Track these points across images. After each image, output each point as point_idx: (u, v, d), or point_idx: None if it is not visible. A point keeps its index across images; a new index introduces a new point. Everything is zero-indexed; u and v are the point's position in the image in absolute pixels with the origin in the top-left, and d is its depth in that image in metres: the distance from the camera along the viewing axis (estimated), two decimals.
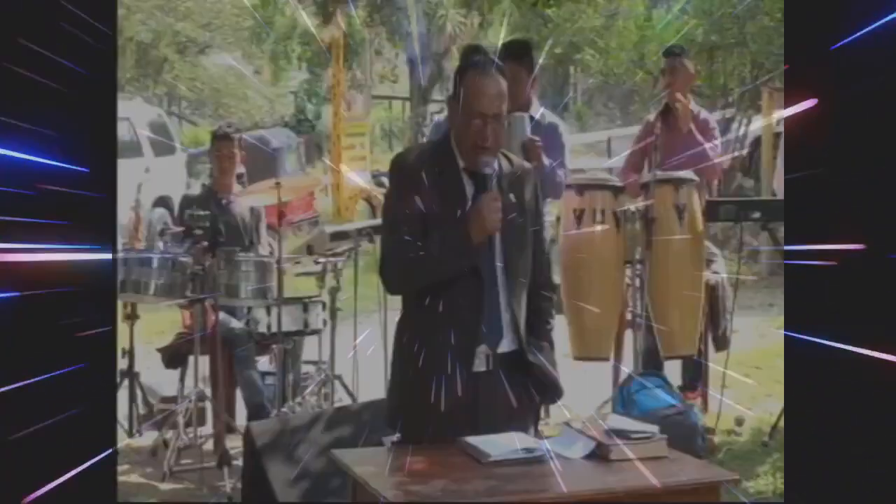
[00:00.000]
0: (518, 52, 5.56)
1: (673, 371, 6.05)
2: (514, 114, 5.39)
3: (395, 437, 3.32)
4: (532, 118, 5.53)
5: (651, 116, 6.38)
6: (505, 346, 3.30)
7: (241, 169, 6.36)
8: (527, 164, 3.53)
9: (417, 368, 3.24)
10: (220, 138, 6.20)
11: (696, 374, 6.20)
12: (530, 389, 3.37)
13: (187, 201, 6.16)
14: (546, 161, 5.34)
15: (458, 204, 3.25)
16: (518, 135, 5.28)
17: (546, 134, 5.48)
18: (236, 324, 5.93)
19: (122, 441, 5.60)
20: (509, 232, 3.28)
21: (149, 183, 11.26)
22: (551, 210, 5.97)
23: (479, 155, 3.24)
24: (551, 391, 3.44)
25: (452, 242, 3.19)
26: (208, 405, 5.67)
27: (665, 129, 5.98)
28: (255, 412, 5.70)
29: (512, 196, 3.32)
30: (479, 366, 3.27)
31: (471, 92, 3.24)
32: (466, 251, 3.19)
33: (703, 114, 6.42)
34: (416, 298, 3.30)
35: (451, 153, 3.30)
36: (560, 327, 5.77)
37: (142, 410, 5.97)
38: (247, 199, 6.10)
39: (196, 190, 6.33)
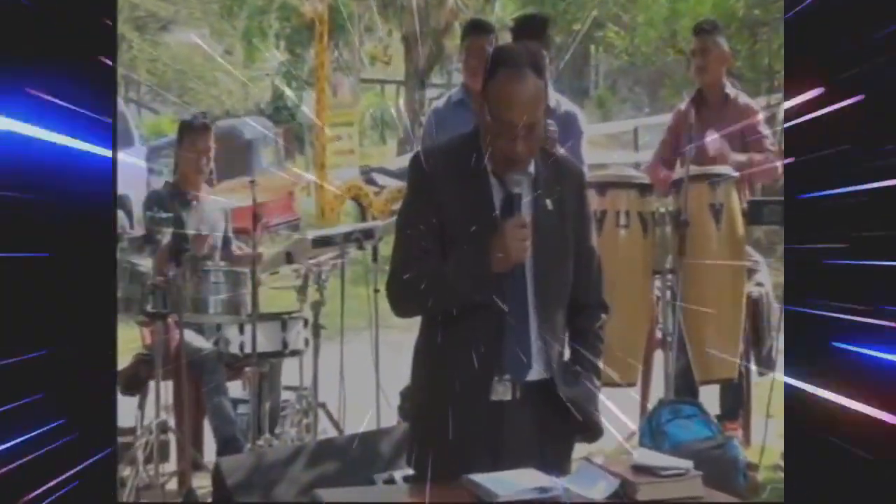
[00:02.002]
0: (534, 29, 5.58)
1: (710, 397, 6.06)
2: None
3: (387, 474, 3.34)
4: (547, 106, 5.54)
5: (683, 105, 6.39)
6: (534, 374, 3.30)
7: (212, 165, 6.37)
8: (572, 162, 3.51)
9: (434, 397, 3.27)
10: (193, 129, 6.22)
11: (736, 402, 6.21)
12: (562, 425, 3.37)
13: (151, 201, 6.17)
14: (561, 151, 5.35)
15: (483, 213, 3.23)
16: None
17: (562, 125, 5.50)
18: (204, 343, 5.94)
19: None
20: (544, 245, 3.26)
21: None
22: None
23: (507, 168, 3.23)
24: (585, 430, 3.43)
25: (470, 271, 3.18)
26: (172, 438, 5.68)
27: (700, 119, 5.99)
28: (226, 446, 5.71)
29: (549, 202, 3.30)
30: (504, 394, 3.27)
31: (500, 97, 3.19)
32: (485, 282, 3.18)
33: (743, 98, 6.40)
34: (434, 319, 3.32)
35: (479, 152, 3.27)
36: None
37: None
38: (217, 200, 6.12)
39: (163, 187, 6.32)
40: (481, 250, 3.17)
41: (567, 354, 3.42)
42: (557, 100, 5.67)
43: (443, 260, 3.22)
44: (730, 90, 6.31)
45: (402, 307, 3.36)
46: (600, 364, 3.49)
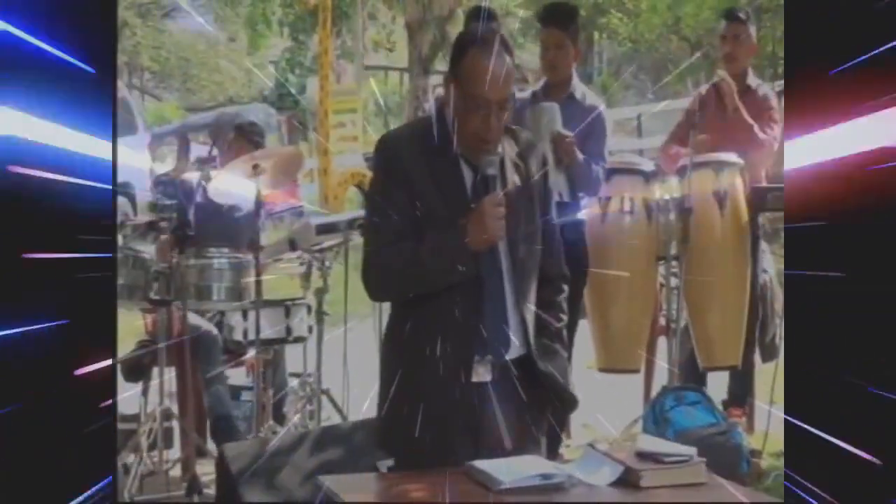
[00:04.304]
0: (562, 18, 5.55)
1: (716, 384, 6.06)
2: (543, 104, 5.39)
3: (391, 461, 3.33)
4: (572, 97, 5.53)
5: (703, 89, 6.33)
6: (513, 352, 3.32)
7: (215, 152, 6.39)
8: (531, 137, 3.50)
9: (414, 383, 3.25)
10: (243, 136, 6.27)
11: (742, 388, 6.19)
12: (538, 399, 3.39)
13: (166, 185, 6.19)
14: (580, 157, 5.32)
15: (455, 196, 3.24)
16: (547, 127, 5.26)
17: (586, 118, 5.47)
18: (202, 322, 5.93)
19: None
20: (516, 222, 3.27)
21: None
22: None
23: (480, 149, 3.24)
24: (564, 402, 3.46)
25: (448, 252, 3.18)
26: (175, 425, 5.68)
27: (716, 105, 5.95)
28: (219, 424, 5.72)
29: (517, 178, 3.32)
30: (485, 375, 3.29)
31: (473, 74, 3.20)
32: (464, 263, 3.18)
33: (763, 89, 6.32)
34: (408, 304, 3.31)
35: (447, 136, 3.28)
36: (583, 334, 5.82)
37: None
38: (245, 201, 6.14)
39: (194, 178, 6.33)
40: (459, 231, 3.17)
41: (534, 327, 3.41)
42: (583, 91, 5.64)
43: (417, 243, 3.21)
44: (752, 80, 6.22)
45: (379, 292, 3.38)
46: (565, 335, 3.51)
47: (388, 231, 3.24)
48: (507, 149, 3.34)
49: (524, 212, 3.32)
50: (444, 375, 3.22)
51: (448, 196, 3.24)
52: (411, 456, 3.21)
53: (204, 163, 6.57)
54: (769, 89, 6.40)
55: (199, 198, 5.98)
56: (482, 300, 3.25)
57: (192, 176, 6.41)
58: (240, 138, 6.32)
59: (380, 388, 3.42)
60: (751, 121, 5.96)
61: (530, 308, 3.35)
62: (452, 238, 3.18)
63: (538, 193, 3.39)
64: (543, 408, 3.43)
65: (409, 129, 3.50)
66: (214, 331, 5.91)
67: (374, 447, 3.50)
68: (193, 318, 5.83)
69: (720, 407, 5.66)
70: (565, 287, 3.53)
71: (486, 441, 3.23)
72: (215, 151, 6.37)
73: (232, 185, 6.04)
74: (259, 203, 5.74)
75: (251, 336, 5.77)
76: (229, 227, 6.12)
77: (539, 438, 3.38)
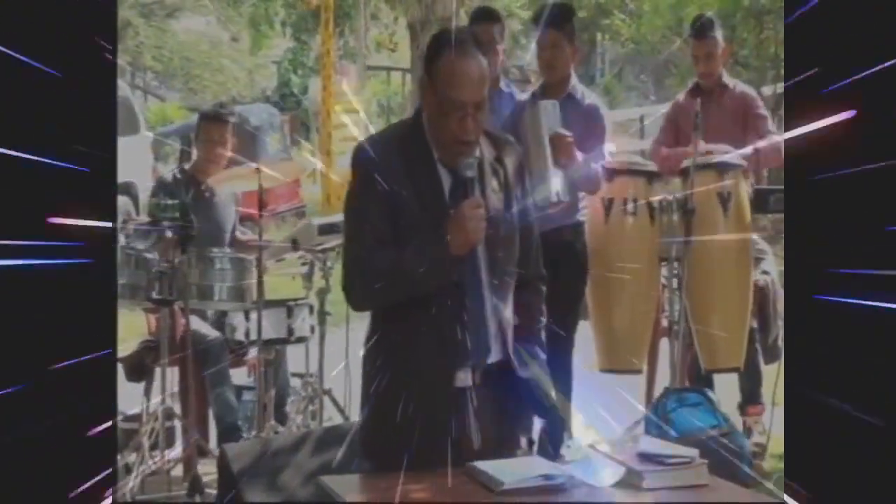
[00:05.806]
0: (559, 18, 5.55)
1: (727, 385, 6.05)
2: (541, 102, 5.38)
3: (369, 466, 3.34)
4: (571, 97, 5.53)
5: (681, 96, 6.36)
6: (492, 357, 3.31)
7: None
8: (510, 139, 3.49)
9: (392, 389, 3.24)
10: (212, 120, 6.21)
11: (754, 385, 6.15)
12: (518, 405, 3.39)
13: (158, 188, 6.18)
14: (579, 157, 5.32)
15: (433, 200, 3.23)
16: (545, 126, 5.24)
17: (586, 118, 5.46)
18: (209, 330, 5.94)
19: None
20: (494, 226, 3.26)
21: None
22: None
23: (458, 151, 3.22)
24: (541, 407, 3.45)
25: (430, 258, 3.17)
26: (177, 424, 5.68)
27: (702, 108, 5.96)
28: (227, 433, 5.72)
29: (495, 182, 3.31)
30: (466, 381, 3.28)
31: (448, 77, 3.19)
32: (446, 267, 3.18)
33: (740, 86, 6.37)
34: (389, 310, 3.31)
35: (424, 141, 3.27)
36: (585, 335, 5.81)
37: None
38: (226, 188, 6.12)
39: (171, 175, 6.30)
40: (439, 236, 3.16)
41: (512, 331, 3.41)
42: (582, 91, 5.64)
43: (398, 249, 3.20)
44: (727, 80, 6.28)
45: (360, 301, 3.37)
46: (543, 338, 3.50)
47: (368, 237, 3.24)
48: (485, 151, 3.33)
49: (502, 215, 3.31)
50: (425, 381, 3.22)
51: (426, 200, 3.23)
52: (393, 461, 3.19)
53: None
54: (745, 86, 6.46)
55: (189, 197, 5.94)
56: (462, 305, 3.24)
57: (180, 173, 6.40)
58: (208, 121, 6.25)
59: (361, 394, 3.41)
60: (749, 151, 5.94)
61: (509, 312, 3.34)
62: (433, 243, 3.17)
63: (517, 195, 3.38)
64: (524, 410, 3.44)
65: (386, 133, 3.48)
66: (221, 337, 5.90)
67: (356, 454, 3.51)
68: (200, 326, 5.83)
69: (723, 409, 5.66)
70: (543, 288, 3.53)
71: (467, 445, 3.23)
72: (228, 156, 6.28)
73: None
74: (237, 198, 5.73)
75: (253, 336, 5.77)
76: (214, 224, 6.11)
77: (521, 441, 3.39)
